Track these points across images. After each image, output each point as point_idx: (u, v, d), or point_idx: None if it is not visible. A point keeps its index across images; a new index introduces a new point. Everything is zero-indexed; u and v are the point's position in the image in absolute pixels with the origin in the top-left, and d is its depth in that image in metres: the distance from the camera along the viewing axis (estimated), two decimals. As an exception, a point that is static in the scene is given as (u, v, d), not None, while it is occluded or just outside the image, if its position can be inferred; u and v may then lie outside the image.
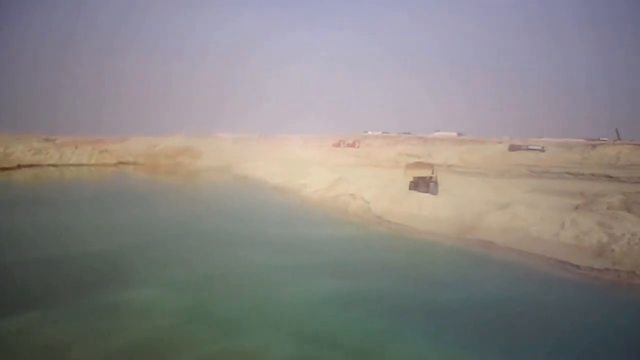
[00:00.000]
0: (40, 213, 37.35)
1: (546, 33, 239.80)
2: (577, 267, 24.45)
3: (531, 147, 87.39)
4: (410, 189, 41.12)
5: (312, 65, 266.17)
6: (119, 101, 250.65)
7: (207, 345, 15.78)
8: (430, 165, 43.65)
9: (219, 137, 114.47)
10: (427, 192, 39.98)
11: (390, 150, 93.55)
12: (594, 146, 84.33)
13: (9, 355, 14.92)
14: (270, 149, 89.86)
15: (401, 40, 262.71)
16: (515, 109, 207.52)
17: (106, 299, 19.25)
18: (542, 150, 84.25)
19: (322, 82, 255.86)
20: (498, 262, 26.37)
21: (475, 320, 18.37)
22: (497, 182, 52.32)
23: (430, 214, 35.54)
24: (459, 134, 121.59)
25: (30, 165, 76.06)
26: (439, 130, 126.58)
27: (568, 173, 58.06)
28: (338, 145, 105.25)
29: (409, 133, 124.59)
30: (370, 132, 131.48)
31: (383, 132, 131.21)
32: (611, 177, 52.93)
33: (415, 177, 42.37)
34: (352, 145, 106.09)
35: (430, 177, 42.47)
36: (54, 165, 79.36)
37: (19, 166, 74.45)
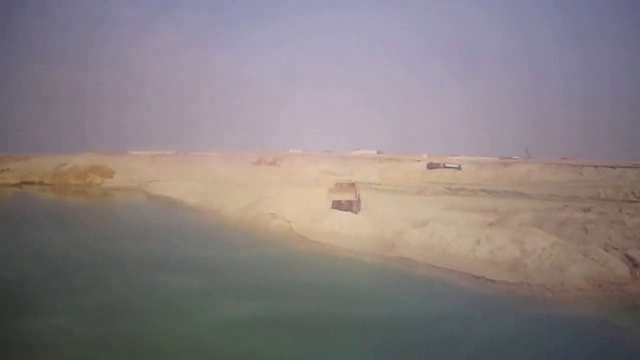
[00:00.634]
0: None
1: (465, 54, 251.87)
2: (493, 281, 24.85)
3: (448, 165, 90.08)
4: (332, 207, 40.83)
5: (232, 80, 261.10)
6: (19, 115, 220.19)
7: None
8: (353, 188, 43.40)
9: (132, 154, 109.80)
10: (349, 210, 39.87)
11: (312, 168, 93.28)
12: (506, 164, 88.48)
13: None
14: (188, 167, 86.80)
15: (323, 58, 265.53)
16: (433, 126, 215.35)
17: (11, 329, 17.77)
18: (459, 168, 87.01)
19: (242, 98, 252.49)
20: (417, 279, 26.39)
21: (394, 336, 18.31)
22: (415, 199, 53.35)
23: (352, 232, 35.39)
24: (379, 152, 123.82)
25: None
26: (358, 149, 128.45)
27: (483, 190, 60.21)
28: (259, 163, 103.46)
29: (329, 151, 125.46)
30: (291, 150, 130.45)
31: (304, 150, 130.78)
32: (523, 194, 55.39)
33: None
34: (273, 163, 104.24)
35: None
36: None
37: None
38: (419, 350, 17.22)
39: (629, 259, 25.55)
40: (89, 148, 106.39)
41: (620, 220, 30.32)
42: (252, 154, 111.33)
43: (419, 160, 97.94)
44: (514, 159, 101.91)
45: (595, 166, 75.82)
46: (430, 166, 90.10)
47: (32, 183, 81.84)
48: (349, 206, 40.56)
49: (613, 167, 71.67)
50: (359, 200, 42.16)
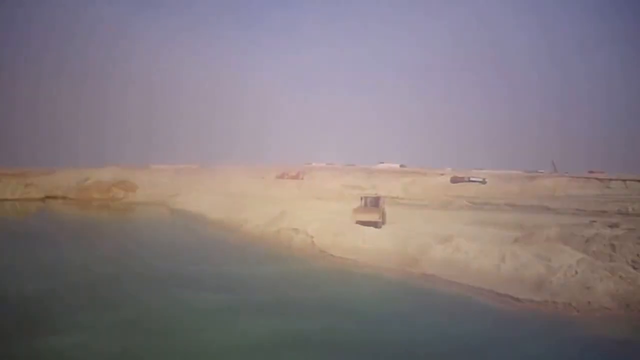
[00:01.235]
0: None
1: (489, 65, 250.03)
2: (518, 299, 24.52)
3: (473, 179, 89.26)
4: (356, 222, 40.79)
5: (257, 94, 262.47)
6: (44, 130, 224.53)
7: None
8: (378, 209, 43.01)
9: (155, 168, 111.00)
10: (373, 225, 39.81)
11: (335, 182, 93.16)
12: (532, 178, 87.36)
13: None
14: (211, 181, 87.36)
15: (349, 70, 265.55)
16: (456, 140, 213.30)
17: (31, 346, 17.85)
18: (484, 182, 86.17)
19: (266, 111, 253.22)
20: (441, 296, 26.15)
21: (417, 355, 18.18)
22: (439, 213, 52.96)
23: (374, 247, 35.19)
24: (402, 166, 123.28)
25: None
26: (382, 162, 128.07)
27: (507, 204, 59.56)
28: (282, 177, 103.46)
29: (353, 164, 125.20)
30: (314, 164, 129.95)
31: (327, 164, 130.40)
32: (549, 208, 54.64)
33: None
34: (296, 177, 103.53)
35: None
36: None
37: None
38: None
39: (659, 277, 24.92)
40: (112, 160, 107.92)
41: (649, 237, 29.63)
42: (276, 166, 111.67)
43: (442, 174, 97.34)
44: (540, 172, 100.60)
45: (624, 180, 74.56)
46: (454, 180, 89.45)
47: (56, 197, 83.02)
48: (374, 222, 40.49)
49: (642, 182, 70.35)
50: (383, 214, 42.07)
